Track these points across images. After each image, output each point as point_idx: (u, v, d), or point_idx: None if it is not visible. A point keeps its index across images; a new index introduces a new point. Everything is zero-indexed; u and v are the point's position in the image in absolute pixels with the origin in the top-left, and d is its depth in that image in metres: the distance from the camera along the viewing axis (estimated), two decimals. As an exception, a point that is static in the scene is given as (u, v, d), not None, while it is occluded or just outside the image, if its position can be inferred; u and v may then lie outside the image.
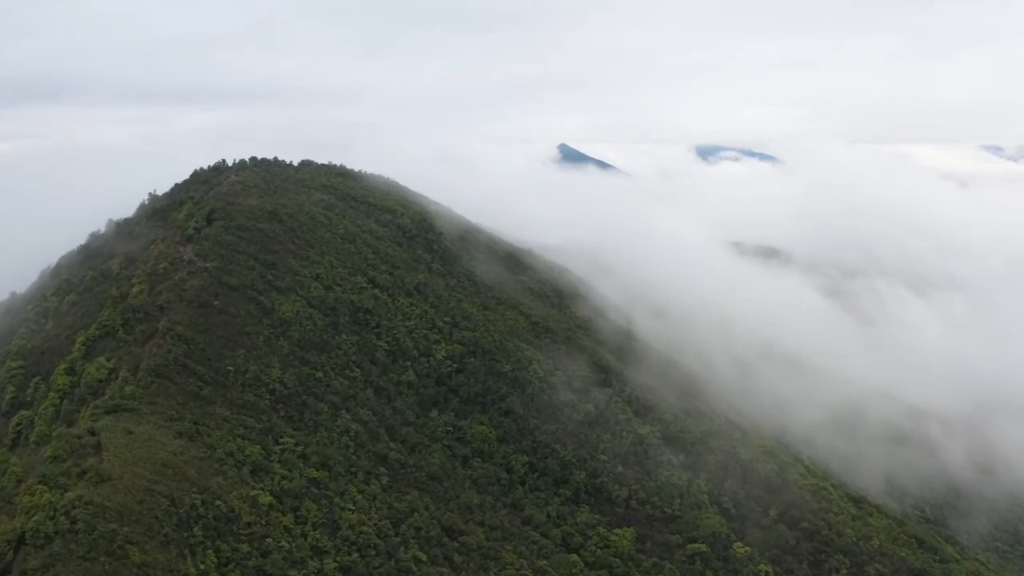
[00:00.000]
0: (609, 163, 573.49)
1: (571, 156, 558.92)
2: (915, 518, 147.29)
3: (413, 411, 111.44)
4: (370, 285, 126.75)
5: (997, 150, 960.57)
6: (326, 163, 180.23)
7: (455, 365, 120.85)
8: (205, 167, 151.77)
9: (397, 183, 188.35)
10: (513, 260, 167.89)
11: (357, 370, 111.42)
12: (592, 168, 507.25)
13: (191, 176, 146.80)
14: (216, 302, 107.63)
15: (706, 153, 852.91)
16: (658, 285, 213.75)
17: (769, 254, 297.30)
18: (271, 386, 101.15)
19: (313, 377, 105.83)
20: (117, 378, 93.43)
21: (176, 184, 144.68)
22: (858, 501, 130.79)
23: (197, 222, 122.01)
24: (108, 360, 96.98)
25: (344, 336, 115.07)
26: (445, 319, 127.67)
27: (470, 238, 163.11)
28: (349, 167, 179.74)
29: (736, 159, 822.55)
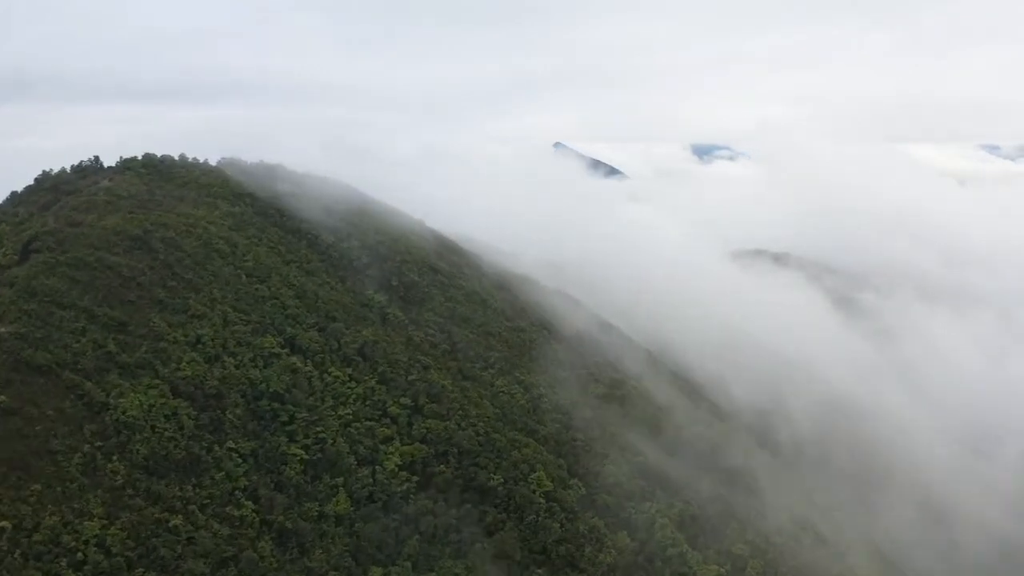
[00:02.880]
0: (604, 161, 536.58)
1: (567, 155, 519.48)
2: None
3: (342, 573, 67.72)
4: (286, 350, 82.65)
5: (995, 149, 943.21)
6: (259, 162, 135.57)
7: (416, 479, 77.27)
8: (68, 167, 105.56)
9: (356, 189, 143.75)
10: (506, 292, 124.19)
11: (248, 505, 67.58)
12: (588, 167, 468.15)
13: (35, 182, 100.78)
14: (2, 397, 63.51)
15: (702, 152, 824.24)
16: (662, 306, 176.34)
17: (773, 259, 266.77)
18: (80, 554, 57.30)
19: (163, 528, 61.93)
20: None
21: (13, 192, 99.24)
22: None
23: (6, 255, 77.43)
24: None
25: (232, 443, 71.08)
26: (402, 400, 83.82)
27: (447, 270, 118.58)
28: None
29: (732, 158, 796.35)
